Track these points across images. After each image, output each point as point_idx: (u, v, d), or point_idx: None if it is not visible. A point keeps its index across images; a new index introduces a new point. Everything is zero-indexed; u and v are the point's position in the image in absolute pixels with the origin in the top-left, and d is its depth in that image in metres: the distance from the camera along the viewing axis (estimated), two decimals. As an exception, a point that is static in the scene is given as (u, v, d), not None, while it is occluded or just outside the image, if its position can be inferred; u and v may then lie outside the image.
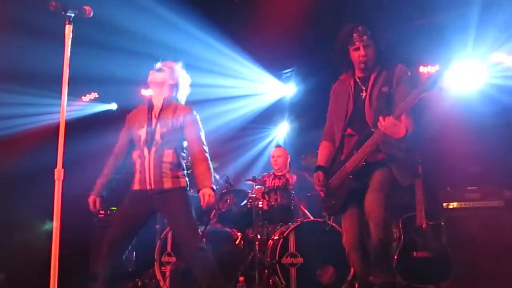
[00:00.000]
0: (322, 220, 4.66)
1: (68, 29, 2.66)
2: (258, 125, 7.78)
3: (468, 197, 5.21)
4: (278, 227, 4.87)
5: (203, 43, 5.94)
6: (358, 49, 2.97)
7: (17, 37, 5.12)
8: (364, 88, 3.02)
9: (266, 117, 7.75)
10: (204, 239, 4.43)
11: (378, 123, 2.73)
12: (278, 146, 6.10)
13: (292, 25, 5.98)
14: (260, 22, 6.07)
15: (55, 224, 2.49)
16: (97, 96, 7.51)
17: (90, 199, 3.48)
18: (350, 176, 2.97)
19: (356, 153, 2.93)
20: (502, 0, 4.81)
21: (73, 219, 3.32)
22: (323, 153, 3.28)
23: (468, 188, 5.27)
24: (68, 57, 2.66)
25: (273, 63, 7.11)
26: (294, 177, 5.60)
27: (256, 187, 5.11)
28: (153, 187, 3.36)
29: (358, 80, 3.08)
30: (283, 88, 7.66)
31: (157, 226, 5.52)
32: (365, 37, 2.95)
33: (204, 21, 5.67)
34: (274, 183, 5.59)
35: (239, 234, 4.88)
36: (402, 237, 4.51)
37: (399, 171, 2.92)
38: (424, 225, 4.46)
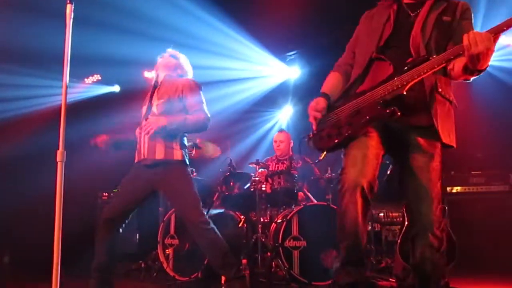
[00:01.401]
0: (325, 203, 4.66)
1: (69, 9, 2.61)
2: (261, 108, 7.75)
3: (472, 181, 5.20)
4: (281, 211, 4.87)
5: (207, 25, 5.88)
6: None
7: (17, 15, 5.06)
8: (414, 13, 2.36)
9: (270, 100, 7.71)
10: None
11: (465, 36, 1.96)
12: (281, 130, 6.02)
13: (296, 7, 5.90)
14: (265, 4, 5.98)
15: (58, 206, 2.47)
16: (99, 78, 7.48)
17: (100, 137, 3.57)
18: (380, 102, 2.23)
19: (398, 77, 2.19)
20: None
21: (76, 202, 3.32)
22: (329, 82, 2.62)
23: (473, 172, 5.25)
24: (69, 38, 2.62)
25: (278, 45, 7.04)
26: (300, 163, 5.58)
27: (260, 170, 5.09)
28: (146, 156, 3.37)
29: (405, 5, 2.42)
30: (287, 71, 7.60)
31: (160, 209, 5.53)
32: None
33: (209, 3, 5.59)
34: (278, 167, 5.58)
35: (242, 217, 4.88)
36: (406, 222, 4.49)
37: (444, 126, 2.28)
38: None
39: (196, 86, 3.52)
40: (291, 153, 5.72)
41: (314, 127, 2.51)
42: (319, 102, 2.49)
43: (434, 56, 2.13)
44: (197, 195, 3.38)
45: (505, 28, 1.94)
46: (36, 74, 6.17)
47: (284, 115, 8.01)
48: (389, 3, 2.47)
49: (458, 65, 2.15)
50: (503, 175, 5.19)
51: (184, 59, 3.71)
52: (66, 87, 2.59)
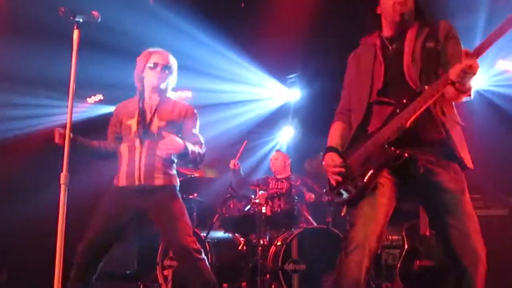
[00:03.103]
0: (325, 226, 4.66)
1: (76, 34, 2.66)
2: (262, 129, 7.79)
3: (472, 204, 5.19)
4: (281, 233, 4.87)
5: (208, 48, 5.97)
6: None
7: (21, 39, 5.14)
8: (397, 44, 2.35)
9: (270, 122, 7.77)
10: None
11: (449, 70, 2.02)
12: (277, 150, 6.23)
13: (297, 30, 5.99)
14: (265, 27, 6.08)
15: (60, 228, 2.48)
16: (102, 98, 7.52)
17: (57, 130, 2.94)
18: (386, 146, 2.20)
19: (397, 116, 2.18)
20: (507, 9, 4.81)
21: (77, 222, 3.29)
22: (334, 134, 2.56)
23: (472, 196, 5.24)
24: (76, 62, 2.66)
25: (278, 68, 7.13)
26: (299, 181, 5.63)
27: (260, 192, 5.12)
28: (142, 182, 3.04)
29: (386, 40, 2.40)
30: (288, 93, 7.69)
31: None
32: None
33: (210, 26, 5.69)
34: (277, 185, 5.62)
35: (242, 239, 4.88)
36: (406, 245, 4.49)
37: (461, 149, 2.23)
38: (427, 234, 4.45)
39: (197, 116, 3.29)
40: (288, 172, 5.77)
41: (334, 182, 2.43)
42: (334, 158, 2.43)
43: (426, 88, 2.15)
44: (189, 222, 3.12)
45: (484, 49, 1.99)
46: (37, 93, 6.23)
47: (284, 137, 8.06)
48: (372, 40, 2.45)
49: (450, 89, 2.14)
50: (503, 199, 5.19)
51: (171, 60, 3.28)
52: (72, 112, 2.61)
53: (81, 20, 2.68)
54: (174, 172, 3.19)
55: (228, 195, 5.23)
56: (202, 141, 3.22)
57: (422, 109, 2.13)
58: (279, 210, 4.93)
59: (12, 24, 5.00)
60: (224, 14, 5.94)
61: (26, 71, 5.53)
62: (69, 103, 2.63)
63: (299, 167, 6.03)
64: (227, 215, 5.08)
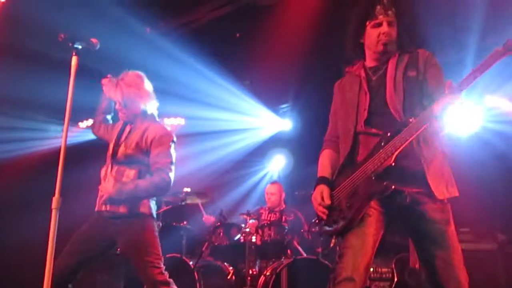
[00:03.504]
0: (315, 257, 4.64)
1: (75, 61, 2.68)
2: (254, 158, 7.82)
3: (460, 238, 5.18)
4: (271, 263, 4.83)
5: (203, 76, 6.04)
6: (380, 25, 2.36)
7: (16, 62, 5.17)
8: (379, 74, 2.41)
9: (262, 151, 7.81)
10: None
11: (433, 105, 2.09)
12: (273, 182, 6.01)
13: (290, 61, 6.11)
14: (259, 57, 6.19)
15: (50, 252, 2.45)
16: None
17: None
18: (373, 178, 2.23)
19: (383, 149, 2.22)
20: (498, 45, 4.95)
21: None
22: (324, 163, 2.57)
23: (461, 229, 5.27)
24: (73, 88, 2.68)
25: (271, 97, 7.22)
26: (292, 216, 5.59)
27: (250, 221, 5.10)
28: (108, 209, 3.02)
29: (369, 70, 2.47)
30: (280, 123, 7.77)
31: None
32: (390, 11, 2.36)
33: (205, 55, 5.78)
34: (270, 217, 5.59)
35: (231, 268, 4.83)
36: (395, 278, 4.48)
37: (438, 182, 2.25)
38: (417, 267, 4.44)
39: (168, 139, 3.11)
40: (283, 205, 5.74)
41: (322, 217, 2.44)
42: (324, 194, 2.43)
43: (411, 120, 2.18)
44: (159, 252, 3.01)
45: (469, 83, 2.05)
46: (29, 116, 6.22)
47: (276, 166, 8.09)
48: (356, 70, 2.50)
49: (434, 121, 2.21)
50: (491, 233, 5.22)
51: (137, 81, 3.19)
52: (66, 136, 2.62)
53: (80, 47, 2.70)
54: (145, 200, 3.06)
55: (218, 223, 5.20)
56: (164, 167, 3.03)
57: (405, 143, 2.17)
58: (269, 240, 4.90)
59: (7, 47, 5.04)
60: (219, 44, 6.05)
61: (18, 94, 5.54)
62: (65, 128, 2.63)
63: (291, 197, 6.03)
64: (216, 244, 5.05)
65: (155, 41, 5.43)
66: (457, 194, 2.27)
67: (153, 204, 3.13)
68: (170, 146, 3.10)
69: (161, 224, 4.98)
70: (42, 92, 5.22)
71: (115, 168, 3.07)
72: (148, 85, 3.24)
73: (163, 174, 3.01)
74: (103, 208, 3.04)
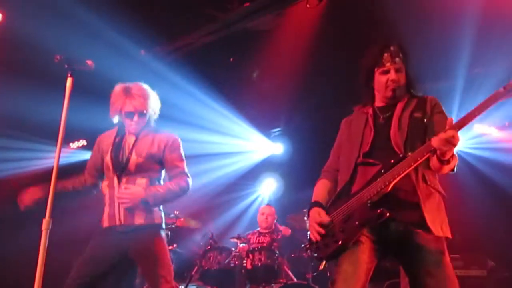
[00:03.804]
0: (305, 282, 4.61)
1: (69, 82, 2.69)
2: (245, 181, 7.82)
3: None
4: (261, 288, 4.79)
5: (195, 99, 6.08)
6: (387, 72, 2.45)
7: (6, 81, 5.18)
8: (387, 115, 2.50)
9: (253, 174, 7.82)
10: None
11: (432, 138, 2.15)
12: (268, 204, 6.13)
13: (283, 86, 6.20)
14: (252, 81, 6.26)
15: (38, 275, 2.42)
16: (85, 144, 7.50)
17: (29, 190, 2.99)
18: (368, 205, 2.29)
19: (381, 178, 2.28)
20: (484, 74, 5.10)
21: (57, 269, 3.19)
22: (320, 190, 2.64)
23: (451, 256, 5.27)
24: (67, 109, 2.69)
25: (263, 122, 7.28)
26: (280, 235, 5.57)
27: (241, 245, 5.07)
28: (122, 222, 2.93)
29: (377, 110, 2.55)
30: (272, 147, 7.81)
31: (136, 280, 5.38)
32: (397, 59, 2.45)
33: (198, 78, 5.82)
34: (259, 240, 5.56)
35: (220, 293, 4.78)
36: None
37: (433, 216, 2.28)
38: (408, 293, 4.42)
39: (178, 143, 3.16)
40: (273, 227, 5.73)
41: (315, 239, 2.47)
42: (321, 213, 2.47)
43: (410, 154, 2.23)
44: (171, 267, 2.98)
45: (468, 121, 2.11)
46: (20, 136, 6.19)
47: (267, 190, 8.09)
48: (365, 109, 2.60)
49: (433, 159, 2.24)
50: (481, 259, 5.23)
51: (147, 93, 3.14)
52: (59, 157, 2.62)
53: (75, 69, 2.71)
54: (158, 209, 3.05)
55: (209, 247, 5.16)
56: (185, 170, 3.10)
57: (403, 174, 2.22)
58: (259, 264, 4.86)
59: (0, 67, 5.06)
60: (212, 67, 6.12)
61: (10, 114, 5.53)
62: (57, 149, 2.63)
63: (281, 221, 6.02)
64: (206, 268, 4.99)
65: (149, 64, 5.47)
66: (450, 235, 2.31)
67: (163, 214, 3.10)
68: (181, 149, 3.17)
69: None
70: (33, 112, 5.22)
71: (125, 179, 2.99)
72: (155, 98, 3.23)
73: (185, 176, 3.07)
74: (117, 222, 2.94)
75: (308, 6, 4.57)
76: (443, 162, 2.18)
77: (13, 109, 5.36)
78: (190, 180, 3.09)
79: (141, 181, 2.99)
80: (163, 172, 3.14)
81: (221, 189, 7.19)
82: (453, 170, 2.26)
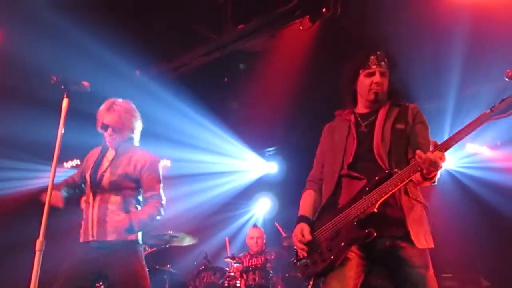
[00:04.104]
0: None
1: (65, 103, 2.71)
2: (239, 201, 7.81)
3: (444, 284, 5.20)
4: (255, 308, 4.76)
5: (190, 119, 6.12)
6: (372, 74, 2.46)
7: (2, 103, 5.19)
8: (369, 122, 2.50)
9: (248, 193, 7.81)
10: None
11: (416, 156, 2.14)
12: (255, 226, 5.97)
13: (277, 106, 6.25)
14: (246, 101, 6.32)
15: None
16: (79, 163, 7.50)
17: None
18: (355, 223, 2.28)
19: (367, 196, 2.28)
20: (475, 95, 5.18)
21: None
22: (306, 203, 2.62)
23: (444, 275, 5.28)
24: (62, 129, 2.70)
25: (257, 141, 7.31)
26: (273, 255, 5.56)
27: (235, 265, 5.04)
28: (95, 238, 2.93)
29: (359, 116, 2.56)
30: (266, 166, 7.83)
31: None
32: (383, 63, 2.48)
33: (193, 98, 5.87)
34: (252, 262, 5.52)
35: (214, 314, 4.74)
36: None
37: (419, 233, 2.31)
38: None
39: (157, 164, 3.15)
40: (264, 247, 5.70)
41: (300, 255, 2.47)
42: (304, 231, 2.46)
43: (396, 171, 2.25)
44: (147, 284, 2.93)
45: (454, 142, 2.14)
46: (13, 156, 6.17)
47: (261, 209, 8.08)
48: (346, 115, 2.60)
49: (417, 175, 2.26)
50: (474, 278, 5.23)
51: (127, 108, 3.20)
52: (54, 177, 2.62)
53: (71, 89, 2.73)
54: None
55: (202, 267, 5.14)
56: (160, 193, 3.09)
57: (390, 193, 2.23)
58: (253, 284, 4.84)
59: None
60: (207, 88, 6.17)
61: (3, 133, 5.52)
62: (52, 169, 2.64)
63: (276, 240, 6.00)
64: (200, 288, 4.97)
65: (144, 84, 5.51)
66: (433, 246, 2.33)
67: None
68: (159, 171, 3.15)
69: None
70: (27, 131, 5.23)
71: (99, 197, 3.02)
72: (138, 115, 3.27)
73: (160, 200, 3.06)
74: (90, 238, 2.95)
75: (301, 28, 4.65)
76: (426, 178, 2.21)
77: (5, 129, 5.36)
78: (164, 203, 3.09)
79: (115, 199, 3.01)
80: (141, 190, 3.13)
81: (215, 209, 7.18)
82: (434, 183, 2.28)
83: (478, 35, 4.46)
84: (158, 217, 3.04)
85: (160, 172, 3.16)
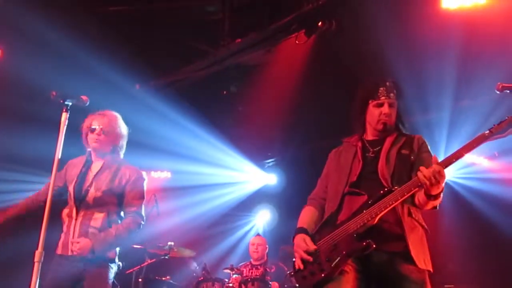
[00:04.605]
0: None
1: (64, 117, 2.74)
2: (239, 212, 7.86)
3: (446, 296, 5.21)
4: (254, 320, 4.78)
5: (190, 132, 6.17)
6: (381, 105, 2.55)
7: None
8: (376, 149, 2.58)
9: (247, 204, 7.86)
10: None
11: (418, 172, 2.22)
12: (258, 235, 6.06)
13: (276, 118, 6.31)
14: (246, 113, 6.38)
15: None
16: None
17: None
18: (354, 236, 2.34)
19: (367, 210, 2.34)
20: (468, 108, 5.25)
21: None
22: (306, 217, 2.70)
23: (445, 286, 5.29)
24: (61, 143, 2.74)
25: (257, 153, 7.37)
26: (273, 268, 5.57)
27: (234, 276, 5.07)
28: (74, 253, 2.92)
29: (367, 142, 2.65)
30: (265, 177, 7.89)
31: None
32: (392, 94, 2.56)
33: (192, 111, 5.93)
34: (252, 272, 5.54)
35: (213, 325, 4.76)
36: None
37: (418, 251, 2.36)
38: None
39: (142, 181, 3.14)
40: (265, 258, 5.72)
41: (297, 266, 2.52)
42: (307, 241, 2.51)
43: (397, 188, 2.31)
44: None
45: (454, 160, 2.22)
46: (11, 168, 6.21)
47: (261, 220, 8.11)
48: (354, 141, 2.69)
49: (420, 194, 2.34)
50: (475, 289, 5.25)
51: (113, 118, 3.21)
52: (53, 190, 2.68)
53: (70, 104, 2.76)
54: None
55: (201, 278, 5.17)
56: (140, 210, 3.09)
57: (390, 207, 2.29)
58: (252, 295, 4.87)
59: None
60: (206, 101, 6.24)
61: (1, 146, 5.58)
62: (51, 181, 2.69)
63: (275, 251, 6.03)
64: (199, 299, 4.99)
65: (144, 98, 5.58)
66: (431, 269, 2.37)
67: (117, 250, 3.08)
68: (144, 187, 3.14)
69: (140, 279, 4.93)
70: (26, 145, 5.28)
71: (82, 212, 3.01)
72: (126, 128, 3.27)
73: (139, 218, 3.05)
74: (69, 253, 2.94)
75: (297, 42, 4.73)
76: (430, 197, 2.26)
77: (4, 141, 5.41)
78: (142, 221, 3.07)
79: (99, 215, 3.00)
80: (121, 211, 3.12)
81: (215, 220, 7.22)
82: (435, 207, 2.35)
83: (471, 49, 4.54)
84: (129, 237, 3.02)
85: (144, 188, 3.15)
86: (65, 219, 3.06)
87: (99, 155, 3.16)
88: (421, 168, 2.21)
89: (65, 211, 3.09)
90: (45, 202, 2.98)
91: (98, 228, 2.96)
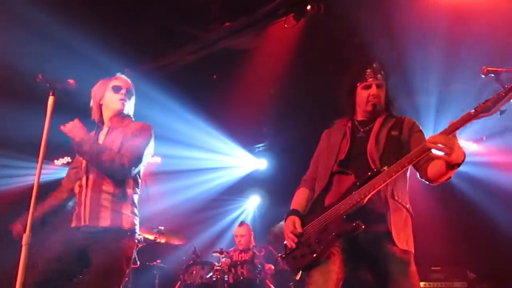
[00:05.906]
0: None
1: (51, 100, 2.72)
2: (229, 197, 7.89)
3: (432, 277, 5.28)
4: (243, 302, 4.83)
5: (179, 116, 6.16)
6: (369, 87, 2.57)
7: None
8: (366, 129, 2.61)
9: (238, 189, 7.89)
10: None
11: (428, 138, 2.16)
12: (241, 224, 5.91)
13: (266, 102, 6.31)
14: (236, 98, 6.37)
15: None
16: (70, 160, 7.53)
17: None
18: (344, 217, 2.36)
19: (357, 191, 2.35)
20: (455, 91, 5.29)
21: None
22: (299, 199, 2.72)
23: (432, 268, 5.36)
24: (48, 127, 2.72)
25: (247, 137, 7.37)
26: (263, 251, 5.63)
27: (223, 259, 5.12)
28: (87, 223, 2.75)
29: (357, 123, 2.68)
30: (256, 162, 7.91)
31: None
32: (379, 75, 2.58)
33: (181, 96, 5.91)
34: (241, 257, 5.59)
35: (203, 307, 4.81)
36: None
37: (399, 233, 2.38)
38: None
39: (148, 131, 2.94)
40: (253, 242, 5.76)
41: (290, 246, 2.54)
42: (296, 223, 2.54)
43: (385, 168, 2.31)
44: (116, 280, 2.70)
45: (461, 125, 2.13)
46: (3, 154, 6.18)
47: (251, 205, 8.15)
48: (345, 122, 2.71)
49: (436, 167, 2.30)
50: (461, 271, 5.32)
51: (129, 83, 3.10)
52: (40, 173, 2.66)
53: (57, 88, 2.73)
54: (129, 210, 2.83)
55: (191, 262, 5.20)
56: (131, 155, 2.81)
57: (378, 188, 2.31)
58: (242, 278, 4.92)
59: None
60: (195, 85, 6.22)
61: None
62: (38, 165, 2.66)
63: (265, 236, 6.07)
64: (189, 282, 5.03)
65: (133, 82, 5.54)
66: (413, 250, 2.41)
67: (135, 219, 2.86)
68: (145, 138, 2.91)
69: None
70: (15, 129, 5.24)
71: (92, 176, 2.84)
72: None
73: (125, 157, 2.79)
74: (82, 223, 2.77)
75: (286, 25, 4.72)
76: (453, 166, 2.17)
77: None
78: (125, 165, 2.77)
79: (107, 188, 2.80)
80: (136, 176, 2.95)
81: (205, 204, 7.25)
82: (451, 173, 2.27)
83: (457, 34, 4.56)
84: (106, 166, 2.76)
85: (147, 140, 2.92)
86: (77, 191, 2.91)
87: (113, 119, 2.99)
88: (430, 137, 2.14)
89: (77, 183, 2.93)
90: (68, 197, 3.01)
91: (111, 192, 2.79)
